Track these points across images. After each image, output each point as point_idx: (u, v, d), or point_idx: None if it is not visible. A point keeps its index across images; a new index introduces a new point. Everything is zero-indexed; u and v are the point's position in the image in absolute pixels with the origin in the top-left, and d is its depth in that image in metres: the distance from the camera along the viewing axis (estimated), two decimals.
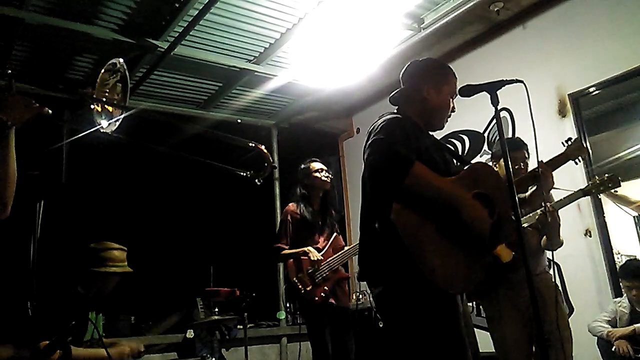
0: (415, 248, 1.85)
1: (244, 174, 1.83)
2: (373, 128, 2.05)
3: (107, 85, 1.59)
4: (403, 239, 1.84)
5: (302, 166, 4.00)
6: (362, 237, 2.13)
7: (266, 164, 1.78)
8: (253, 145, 1.85)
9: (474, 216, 1.91)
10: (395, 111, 2.23)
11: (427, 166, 1.93)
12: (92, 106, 1.56)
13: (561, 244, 2.97)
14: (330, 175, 3.96)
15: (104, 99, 1.58)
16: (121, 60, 1.62)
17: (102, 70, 1.60)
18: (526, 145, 3.07)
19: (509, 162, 1.91)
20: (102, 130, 1.58)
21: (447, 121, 2.26)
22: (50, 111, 1.55)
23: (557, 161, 2.78)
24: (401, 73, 2.31)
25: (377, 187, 2.01)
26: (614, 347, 3.45)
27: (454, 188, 1.96)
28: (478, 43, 4.88)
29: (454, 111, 2.26)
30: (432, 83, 2.20)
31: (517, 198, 1.91)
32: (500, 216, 2.03)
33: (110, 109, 1.59)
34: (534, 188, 2.90)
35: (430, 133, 2.25)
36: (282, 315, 5.43)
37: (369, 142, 2.00)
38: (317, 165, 3.96)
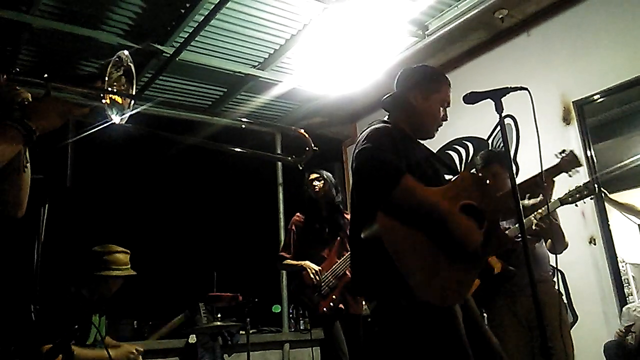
0: (400, 260, 1.79)
1: (289, 159, 1.80)
2: (361, 137, 2.01)
3: (112, 79, 1.61)
4: (388, 251, 1.79)
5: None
6: (352, 250, 2.08)
7: (307, 149, 1.76)
8: (294, 129, 1.84)
9: (461, 231, 1.85)
10: (386, 119, 2.21)
11: (417, 178, 1.89)
12: (103, 100, 1.57)
13: (566, 246, 2.96)
14: (320, 184, 3.95)
15: (115, 90, 1.60)
16: (126, 52, 1.63)
17: (110, 64, 1.61)
18: (505, 160, 2.94)
19: (513, 170, 1.90)
20: (116, 123, 1.59)
21: (437, 131, 2.19)
22: (87, 110, 1.54)
23: (550, 173, 2.59)
24: (395, 79, 2.28)
25: (365, 196, 1.96)
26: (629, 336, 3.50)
27: (439, 202, 1.89)
28: (482, 50, 4.88)
29: (445, 120, 2.19)
30: (420, 89, 2.15)
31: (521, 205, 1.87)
32: (489, 225, 1.98)
33: (120, 100, 1.61)
34: (537, 199, 2.82)
35: (424, 142, 2.20)
36: (277, 309, 5.43)
37: (357, 151, 1.96)
38: (311, 175, 4.01)
